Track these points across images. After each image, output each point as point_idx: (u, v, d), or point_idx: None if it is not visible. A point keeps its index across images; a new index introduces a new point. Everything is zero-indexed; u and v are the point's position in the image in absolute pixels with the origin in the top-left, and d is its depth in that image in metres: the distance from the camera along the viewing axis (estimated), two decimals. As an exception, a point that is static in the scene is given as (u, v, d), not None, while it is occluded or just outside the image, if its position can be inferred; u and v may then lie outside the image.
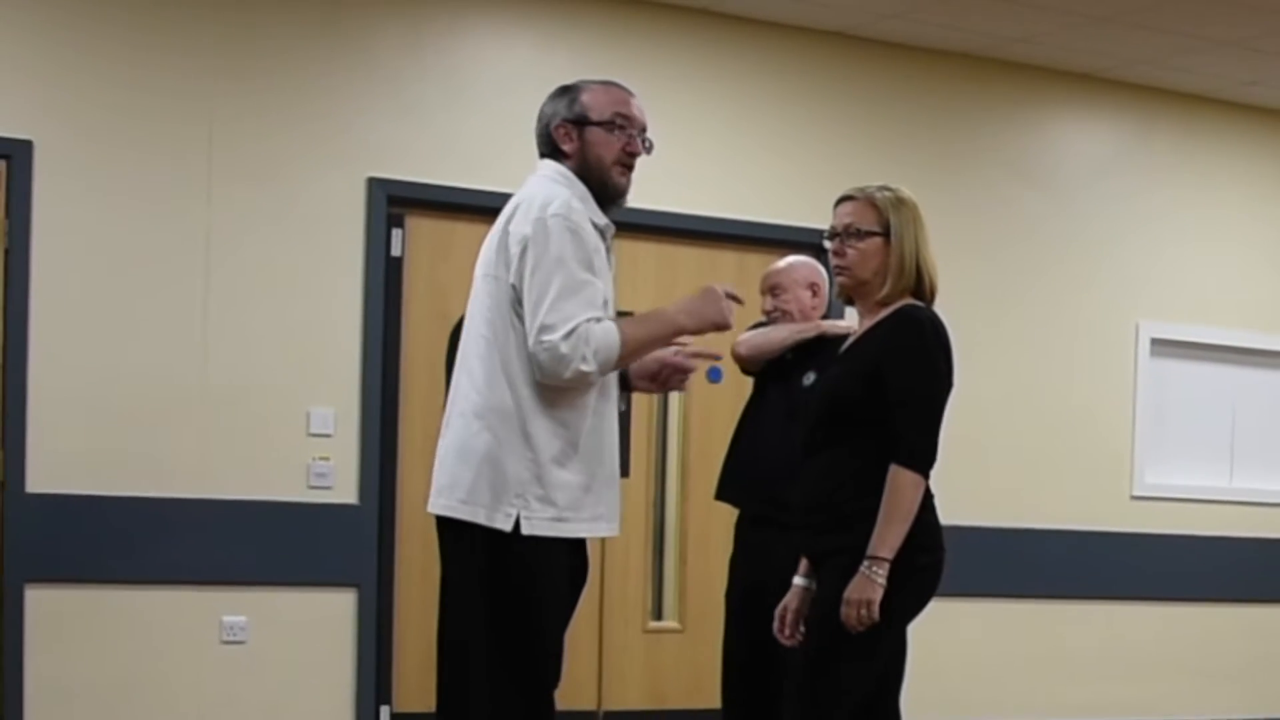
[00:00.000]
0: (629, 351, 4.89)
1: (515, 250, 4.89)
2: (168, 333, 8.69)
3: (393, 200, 9.20)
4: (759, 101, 10.19)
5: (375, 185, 9.14)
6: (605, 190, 5.12)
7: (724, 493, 7.26)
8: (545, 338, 4.76)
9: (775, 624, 5.53)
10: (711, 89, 10.06)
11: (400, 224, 9.25)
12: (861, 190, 5.37)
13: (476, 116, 9.29)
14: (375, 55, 9.18)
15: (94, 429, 8.52)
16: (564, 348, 4.75)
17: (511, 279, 4.90)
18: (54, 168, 8.47)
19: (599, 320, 4.82)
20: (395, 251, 9.23)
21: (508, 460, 4.86)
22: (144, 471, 8.61)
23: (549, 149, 5.17)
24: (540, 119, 5.21)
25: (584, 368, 4.77)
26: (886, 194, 5.33)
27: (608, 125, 5.13)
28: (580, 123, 5.12)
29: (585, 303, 4.81)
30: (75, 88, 8.54)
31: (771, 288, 7.09)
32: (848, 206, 5.36)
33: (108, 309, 8.58)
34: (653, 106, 9.55)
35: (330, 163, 9.06)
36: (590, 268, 4.89)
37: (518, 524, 4.84)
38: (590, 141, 5.12)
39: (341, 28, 9.10)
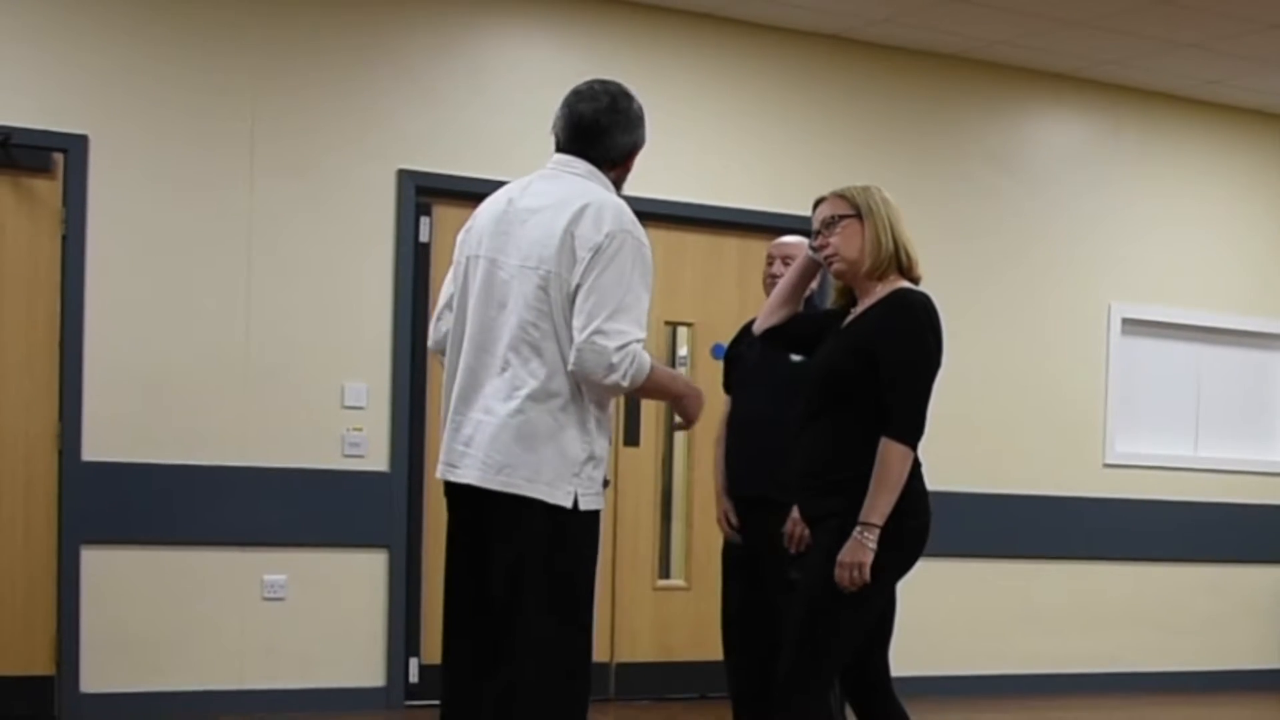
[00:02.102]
0: (650, 388, 4.91)
1: (584, 255, 4.78)
2: (213, 313, 8.67)
3: (421, 190, 9.18)
4: (759, 99, 10.14)
5: (405, 176, 9.11)
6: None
7: (735, 489, 7.19)
8: (601, 341, 4.70)
9: (785, 539, 5.71)
10: (715, 87, 10.01)
11: (428, 212, 9.22)
12: (830, 191, 5.41)
13: (499, 112, 9.25)
14: (405, 56, 9.15)
15: (145, 401, 8.51)
16: (614, 357, 4.70)
17: (573, 278, 4.79)
18: (107, 160, 8.46)
19: (643, 345, 4.82)
20: (423, 238, 9.20)
21: (568, 441, 4.80)
22: (191, 441, 8.59)
23: (621, 162, 5.08)
24: (628, 132, 5.07)
25: (623, 383, 4.74)
26: (852, 186, 5.37)
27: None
28: (635, 152, 5.12)
29: (637, 322, 4.78)
30: (127, 86, 8.52)
31: (785, 257, 7.00)
32: (822, 206, 5.42)
33: (157, 291, 8.56)
34: (661, 104, 9.54)
35: (363, 155, 9.03)
36: (648, 284, 4.86)
37: (576, 500, 4.83)
38: (630, 169, 5.15)
39: (374, 31, 9.07)
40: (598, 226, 4.79)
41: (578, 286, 4.77)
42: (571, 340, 4.77)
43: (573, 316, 4.78)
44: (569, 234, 4.81)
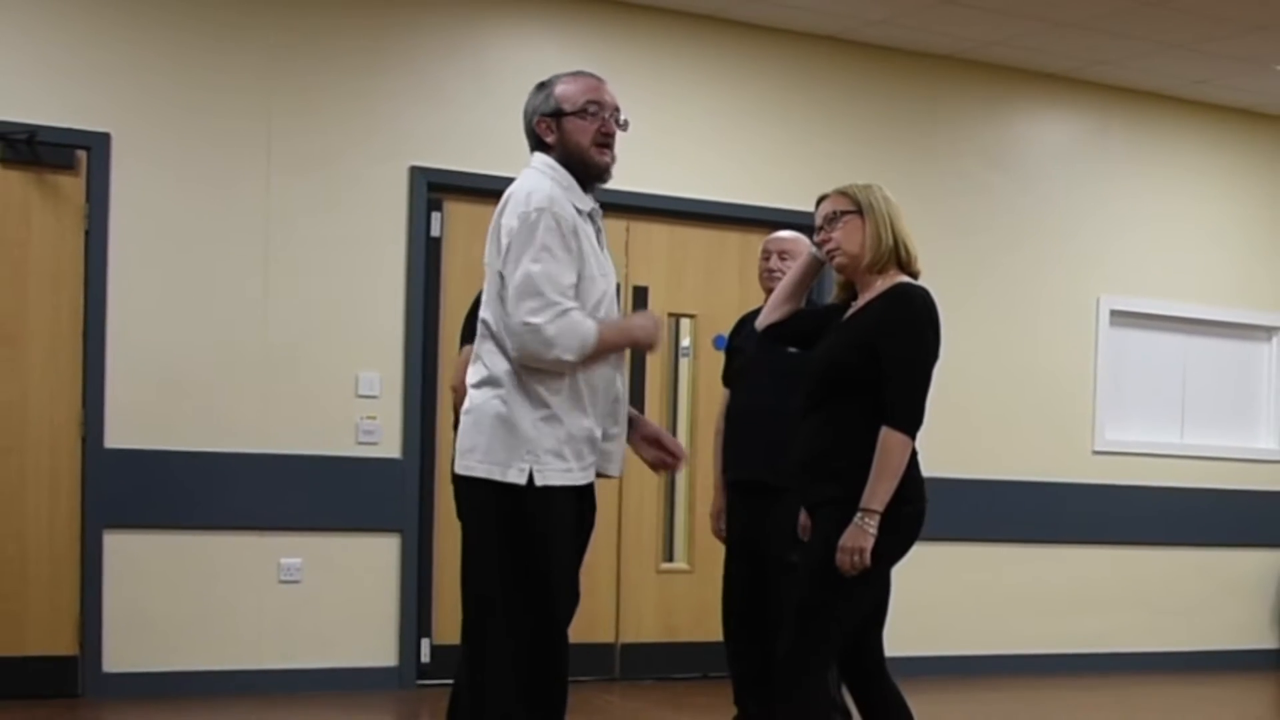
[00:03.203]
0: (600, 349, 4.84)
1: (504, 241, 4.81)
2: (231, 305, 8.66)
3: (432, 186, 9.18)
4: (760, 98, 10.12)
5: (417, 173, 9.10)
6: (588, 170, 4.99)
7: (736, 476, 7.18)
8: (533, 320, 4.69)
9: (800, 531, 5.53)
10: (717, 87, 9.98)
11: (439, 208, 9.21)
12: (833, 189, 5.41)
13: (507, 111, 9.07)
14: (416, 58, 9.13)
15: (165, 390, 8.50)
16: (549, 331, 4.69)
17: (500, 267, 4.82)
18: (129, 157, 8.46)
19: (578, 311, 4.76)
20: (435, 232, 9.19)
21: (516, 421, 4.79)
22: (210, 429, 8.59)
23: (534, 142, 5.04)
24: (524, 116, 5.07)
25: (566, 356, 4.73)
26: (853, 184, 5.38)
27: (581, 113, 4.98)
28: (557, 115, 4.98)
29: (561, 292, 4.74)
30: (148, 86, 8.52)
31: (781, 252, 7.00)
32: (825, 203, 5.41)
33: (177, 284, 8.55)
34: (664, 103, 9.56)
35: (376, 153, 9.02)
36: (570, 255, 4.79)
37: (531, 477, 4.79)
38: (568, 130, 4.97)
39: (386, 33, 9.06)
40: (513, 212, 4.80)
41: (504, 275, 4.79)
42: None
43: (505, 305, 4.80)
44: (497, 225, 4.86)
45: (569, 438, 4.85)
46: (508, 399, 4.81)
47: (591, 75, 5.08)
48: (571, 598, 5.01)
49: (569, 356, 4.71)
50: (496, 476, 4.79)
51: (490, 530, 4.86)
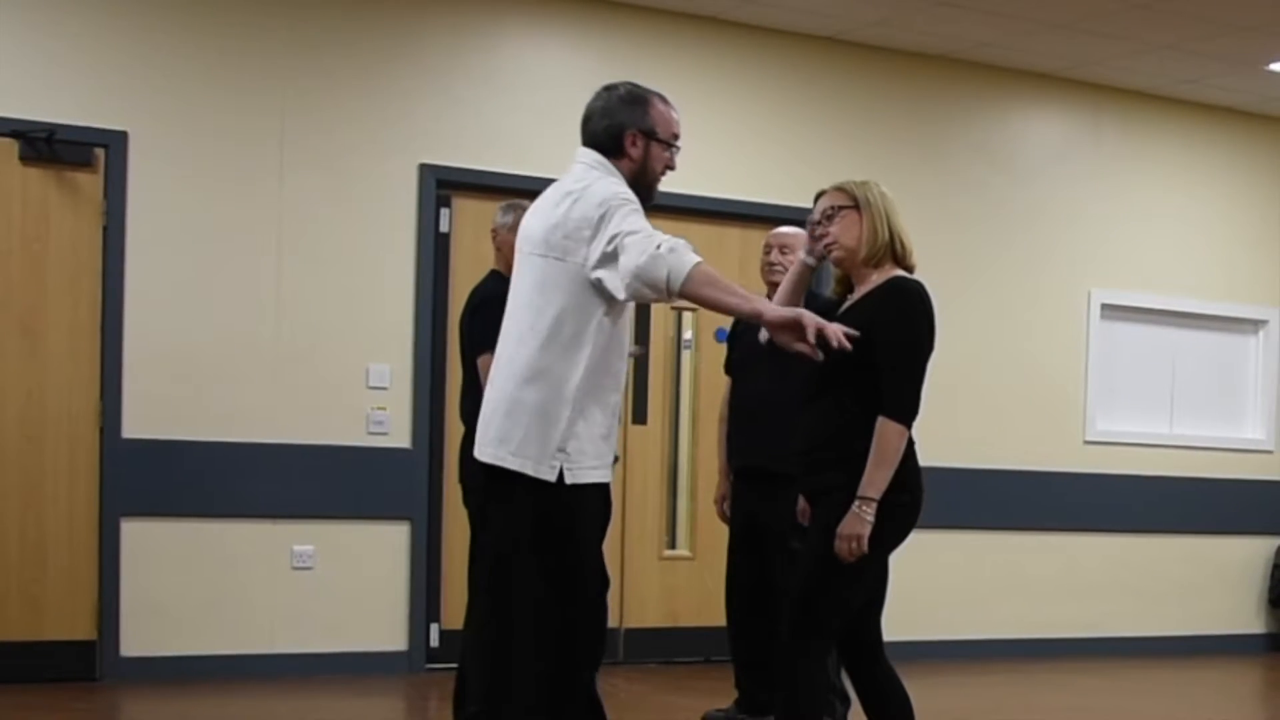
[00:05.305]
0: (694, 289, 4.55)
1: (585, 233, 4.68)
2: (245, 299, 8.65)
3: (441, 183, 9.16)
4: (760, 97, 10.10)
5: (426, 170, 9.09)
6: (648, 195, 4.95)
7: (738, 462, 7.17)
8: (644, 253, 4.50)
9: (799, 515, 5.51)
10: (719, 86, 9.96)
11: (448, 204, 9.18)
12: (831, 185, 5.41)
13: (515, 110, 9.21)
14: (426, 57, 9.11)
15: (181, 382, 8.49)
16: (663, 248, 4.51)
17: (578, 260, 4.69)
18: (146, 155, 8.46)
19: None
20: (444, 228, 9.17)
21: (552, 417, 4.71)
22: (225, 419, 8.58)
23: (612, 146, 4.94)
24: (607, 115, 4.95)
25: (675, 278, 4.52)
26: (850, 180, 5.38)
27: (666, 144, 5.00)
28: (649, 136, 4.96)
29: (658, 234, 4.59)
30: (164, 85, 8.51)
31: (781, 246, 7.01)
32: (823, 199, 5.41)
33: (193, 278, 8.54)
34: (667, 102, 9.50)
35: (386, 151, 9.01)
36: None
37: (561, 474, 4.73)
38: (652, 154, 4.97)
39: (396, 33, 9.04)
40: (592, 204, 4.71)
41: (596, 256, 4.65)
42: (563, 316, 4.71)
43: (597, 275, 4.66)
44: (566, 219, 4.74)
45: (594, 436, 4.79)
46: (548, 393, 4.72)
47: (672, 105, 5.08)
48: (603, 579, 4.94)
49: (674, 278, 4.49)
50: (529, 471, 4.70)
51: (521, 522, 4.78)
